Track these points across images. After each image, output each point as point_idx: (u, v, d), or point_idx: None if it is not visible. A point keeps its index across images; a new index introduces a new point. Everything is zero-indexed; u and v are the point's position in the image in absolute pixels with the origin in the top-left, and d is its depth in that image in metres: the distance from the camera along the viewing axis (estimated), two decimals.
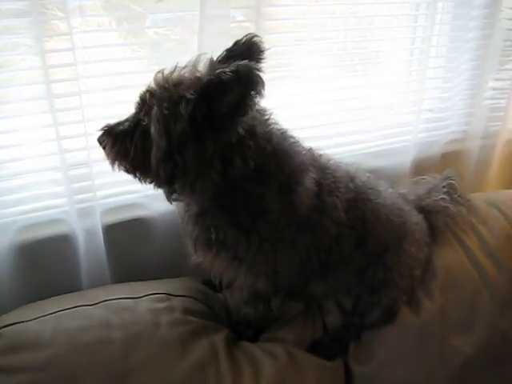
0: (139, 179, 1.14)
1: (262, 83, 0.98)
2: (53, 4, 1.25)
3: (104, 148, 1.13)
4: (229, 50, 1.12)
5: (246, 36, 1.12)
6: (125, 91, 1.40)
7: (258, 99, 1.02)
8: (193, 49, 1.40)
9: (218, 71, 0.99)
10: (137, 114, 1.11)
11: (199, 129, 1.02)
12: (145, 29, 1.49)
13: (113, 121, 1.14)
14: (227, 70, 0.96)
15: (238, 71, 0.95)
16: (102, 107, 1.41)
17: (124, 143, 1.10)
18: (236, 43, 1.12)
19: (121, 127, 1.12)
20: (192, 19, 1.41)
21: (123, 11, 1.43)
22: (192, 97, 1.01)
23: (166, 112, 1.02)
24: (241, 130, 1.06)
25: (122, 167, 1.14)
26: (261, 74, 0.98)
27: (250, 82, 0.97)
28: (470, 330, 1.46)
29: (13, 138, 1.36)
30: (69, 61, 1.29)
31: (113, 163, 1.13)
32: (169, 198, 1.16)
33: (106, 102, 1.42)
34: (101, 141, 1.14)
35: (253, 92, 0.99)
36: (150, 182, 1.13)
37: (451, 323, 1.46)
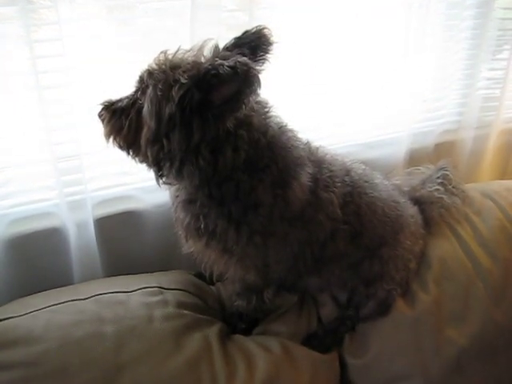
0: (132, 157, 1.16)
1: (259, 82, 0.98)
2: None
3: (102, 122, 1.15)
4: (237, 39, 1.12)
5: (257, 27, 1.12)
6: (115, 81, 1.37)
7: (252, 97, 1.02)
8: (185, 39, 1.38)
9: (217, 62, 0.98)
10: (135, 92, 1.12)
11: (189, 115, 1.01)
12: (136, 18, 1.46)
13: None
14: (226, 63, 0.95)
15: (236, 68, 0.94)
16: (92, 98, 1.38)
17: (120, 119, 1.12)
18: (246, 32, 1.12)
19: (119, 104, 1.13)
20: (183, 8, 1.38)
21: (114, 0, 1.40)
22: (186, 81, 1.00)
23: (159, 93, 1.02)
24: (230, 125, 1.05)
25: (115, 143, 1.15)
26: (258, 73, 0.97)
27: (246, 80, 0.96)
28: (464, 320, 1.46)
29: (1, 130, 1.34)
30: (58, 51, 1.27)
31: (108, 138, 1.15)
32: (158, 181, 1.16)
33: (96, 92, 1.40)
34: (100, 115, 1.15)
35: (248, 90, 0.98)
36: (141, 162, 1.14)
37: (446, 315, 1.46)
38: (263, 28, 1.12)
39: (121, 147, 1.15)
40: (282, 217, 1.19)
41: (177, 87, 1.00)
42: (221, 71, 0.95)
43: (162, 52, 1.08)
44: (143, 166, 1.16)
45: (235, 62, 0.94)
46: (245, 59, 0.95)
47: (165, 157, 1.07)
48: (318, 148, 1.33)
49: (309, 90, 1.72)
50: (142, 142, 1.08)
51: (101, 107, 1.15)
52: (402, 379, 1.42)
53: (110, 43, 1.40)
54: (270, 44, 1.12)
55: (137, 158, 1.15)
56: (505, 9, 1.94)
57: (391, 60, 1.83)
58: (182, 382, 1.20)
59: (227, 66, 0.95)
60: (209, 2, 1.37)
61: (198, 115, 1.01)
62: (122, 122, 1.11)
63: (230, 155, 1.08)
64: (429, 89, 1.96)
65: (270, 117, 1.17)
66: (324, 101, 1.77)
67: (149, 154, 1.08)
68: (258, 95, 1.07)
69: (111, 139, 1.14)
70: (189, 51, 1.08)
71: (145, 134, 1.06)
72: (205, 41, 1.09)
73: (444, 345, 1.42)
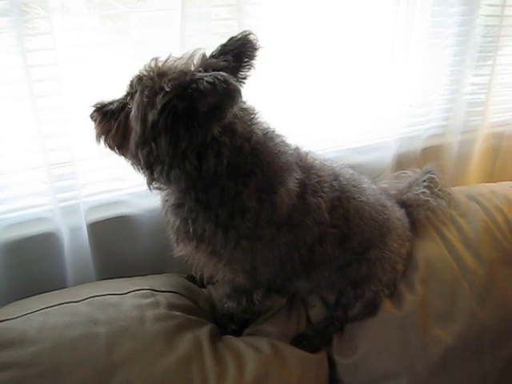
0: (123, 158, 1.19)
1: (239, 95, 1.00)
2: (35, 3, 1.26)
3: (94, 123, 1.18)
4: (223, 46, 1.14)
5: (242, 33, 1.14)
6: (108, 89, 1.40)
7: (235, 108, 1.04)
8: (177, 47, 1.41)
9: (197, 76, 1.01)
10: (126, 96, 1.15)
11: (173, 122, 1.04)
12: (129, 27, 1.49)
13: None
14: (205, 78, 0.98)
15: (215, 84, 0.96)
16: (85, 106, 1.41)
17: (109, 122, 1.15)
18: (231, 39, 1.14)
19: (110, 106, 1.17)
20: (175, 17, 1.41)
21: (107, 10, 1.44)
22: (169, 90, 1.02)
23: (145, 99, 1.05)
24: (216, 132, 1.07)
25: (106, 143, 1.18)
26: (238, 87, 0.99)
27: (226, 94, 0.98)
28: (450, 320, 1.49)
29: None
30: (51, 60, 1.29)
31: (98, 138, 1.18)
32: (149, 185, 1.19)
33: (89, 100, 1.42)
34: (91, 116, 1.19)
35: (229, 102, 1.00)
36: (133, 164, 1.17)
37: (432, 314, 1.49)
38: (248, 34, 1.14)
39: (111, 148, 1.18)
40: (269, 221, 1.21)
41: (161, 95, 1.03)
42: (201, 86, 0.98)
43: (153, 59, 1.11)
44: (135, 172, 1.19)
45: (214, 79, 0.96)
46: (224, 75, 0.97)
47: (155, 160, 1.10)
48: (307, 153, 1.35)
49: (298, 97, 1.74)
50: (131, 144, 1.10)
51: (93, 109, 1.18)
52: (390, 377, 1.44)
53: (104, 52, 1.43)
54: (256, 49, 1.14)
55: (128, 160, 1.18)
56: (488, 16, 1.99)
57: (378, 66, 1.86)
58: (174, 382, 1.22)
59: (206, 82, 0.97)
60: (198, 11, 1.41)
61: (183, 123, 1.04)
62: (111, 124, 1.15)
63: (213, 161, 1.10)
64: (416, 94, 2.00)
65: (255, 123, 1.18)
66: (313, 107, 1.79)
67: (140, 156, 1.10)
68: (241, 104, 1.10)
69: (102, 140, 1.18)
70: (179, 59, 1.11)
71: (133, 137, 1.09)
72: (195, 49, 1.12)
73: (430, 343, 1.45)
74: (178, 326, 1.31)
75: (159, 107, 1.03)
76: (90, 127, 1.20)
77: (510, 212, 1.71)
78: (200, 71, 1.05)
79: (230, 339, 1.38)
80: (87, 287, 1.42)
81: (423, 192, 1.66)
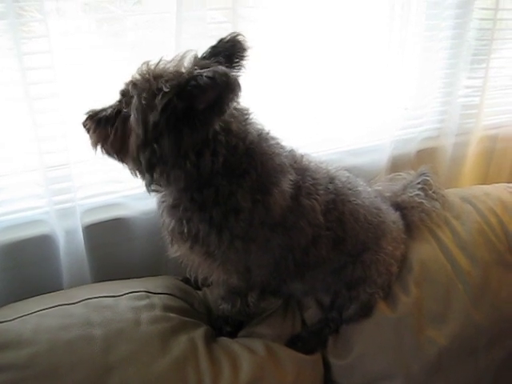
0: (122, 163, 1.18)
1: (239, 87, 1.01)
2: (31, 6, 1.26)
3: (88, 131, 1.17)
4: (213, 47, 1.15)
5: (231, 34, 1.15)
6: (104, 92, 1.40)
7: (235, 101, 1.05)
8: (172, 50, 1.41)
9: (195, 72, 1.02)
10: (120, 101, 1.15)
11: (174, 122, 1.04)
12: (124, 30, 1.50)
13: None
14: (204, 74, 0.98)
15: (215, 78, 0.97)
16: (82, 108, 1.42)
17: (105, 128, 1.14)
18: (220, 41, 1.15)
19: (104, 113, 1.16)
20: (171, 20, 1.42)
21: (102, 13, 1.44)
22: (168, 90, 1.03)
23: (144, 102, 1.05)
24: (217, 127, 1.08)
25: (104, 150, 1.17)
26: (238, 79, 1.00)
27: (226, 87, 0.99)
28: (444, 321, 1.49)
29: None
30: (47, 63, 1.30)
31: (95, 146, 1.17)
32: (148, 188, 1.18)
33: (86, 102, 1.42)
34: (84, 125, 1.18)
35: (230, 95, 1.01)
36: (132, 169, 1.16)
37: (426, 316, 1.49)
38: (237, 35, 1.14)
39: (109, 154, 1.18)
40: (263, 222, 1.22)
41: (160, 96, 1.03)
42: (200, 82, 0.99)
43: (144, 63, 1.11)
44: (132, 176, 1.18)
45: (214, 73, 0.97)
46: (223, 69, 0.99)
47: (158, 161, 1.10)
48: (302, 156, 1.35)
49: (294, 99, 1.75)
50: (132, 148, 1.10)
51: (85, 117, 1.17)
52: (385, 378, 1.45)
53: (99, 54, 1.43)
54: (245, 50, 1.15)
55: (127, 165, 1.17)
56: (482, 19, 2.00)
57: (374, 69, 1.87)
58: (169, 383, 1.22)
59: (206, 77, 0.98)
60: (193, 14, 1.41)
61: (184, 121, 1.04)
62: (108, 130, 1.14)
63: (209, 159, 1.10)
64: (410, 97, 2.01)
65: (249, 123, 1.19)
66: (309, 109, 1.80)
67: (141, 159, 1.10)
68: (238, 102, 1.11)
69: (99, 147, 1.17)
70: (170, 61, 1.11)
71: (134, 140, 1.09)
72: (186, 51, 1.12)
73: (425, 345, 1.45)
74: (173, 328, 1.31)
75: (159, 108, 1.03)
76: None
77: (504, 214, 1.72)
78: (196, 69, 1.05)
79: (225, 341, 1.39)
80: (83, 289, 1.42)
81: (417, 194, 1.66)
